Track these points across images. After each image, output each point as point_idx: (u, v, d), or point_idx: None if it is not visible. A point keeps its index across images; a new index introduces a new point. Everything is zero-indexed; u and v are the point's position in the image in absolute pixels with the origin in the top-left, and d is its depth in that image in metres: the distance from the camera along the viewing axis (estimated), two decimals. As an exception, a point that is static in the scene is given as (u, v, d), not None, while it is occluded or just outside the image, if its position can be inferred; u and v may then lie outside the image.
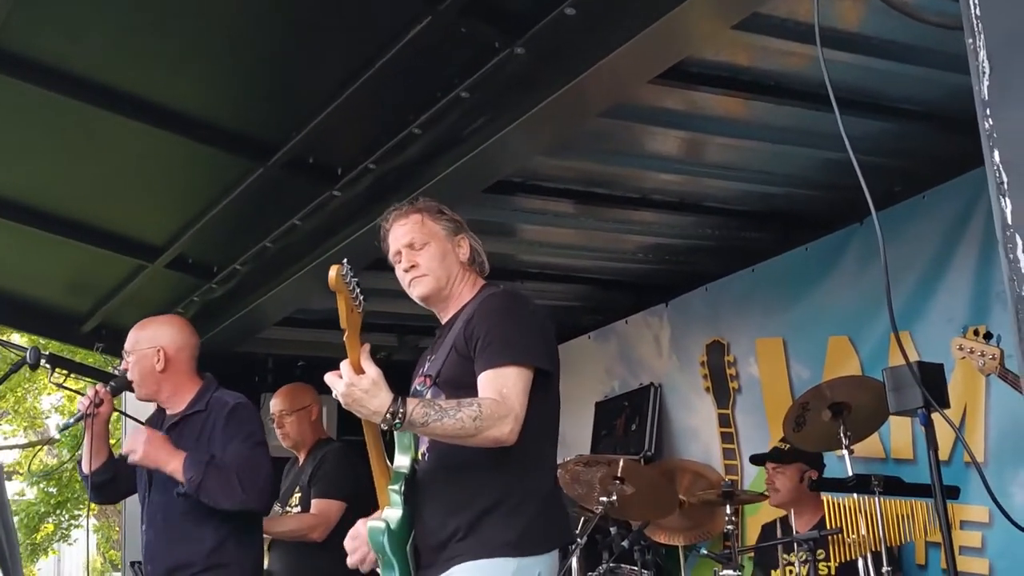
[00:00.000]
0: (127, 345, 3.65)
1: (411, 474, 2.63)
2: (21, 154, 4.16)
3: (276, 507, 4.65)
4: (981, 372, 3.68)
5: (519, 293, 2.86)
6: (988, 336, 3.67)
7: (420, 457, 2.64)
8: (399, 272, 2.79)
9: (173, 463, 3.34)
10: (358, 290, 2.43)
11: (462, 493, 2.57)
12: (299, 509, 4.55)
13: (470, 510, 2.54)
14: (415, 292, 2.77)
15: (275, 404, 4.73)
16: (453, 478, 2.58)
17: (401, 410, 2.37)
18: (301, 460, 4.71)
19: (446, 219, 2.81)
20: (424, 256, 2.74)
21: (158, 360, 3.55)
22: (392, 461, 2.67)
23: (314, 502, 4.48)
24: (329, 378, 2.42)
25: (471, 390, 2.52)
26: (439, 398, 2.55)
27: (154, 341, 3.58)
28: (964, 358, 3.75)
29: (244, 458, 3.38)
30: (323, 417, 4.86)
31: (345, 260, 2.41)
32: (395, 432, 2.57)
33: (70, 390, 5.80)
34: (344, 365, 2.39)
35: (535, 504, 2.58)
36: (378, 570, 2.67)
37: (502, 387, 2.48)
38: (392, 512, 2.60)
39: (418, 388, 2.73)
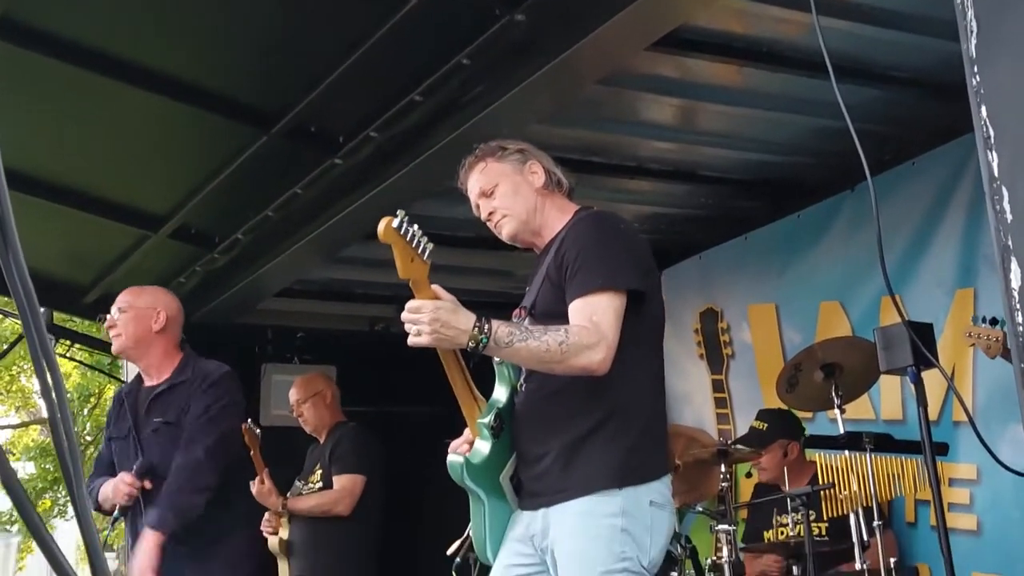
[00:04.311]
0: (120, 303, 3.64)
1: (508, 405, 2.58)
2: (23, 123, 4.13)
3: (297, 482, 4.87)
4: (988, 355, 3.74)
5: (609, 213, 2.74)
6: (995, 322, 3.72)
7: (519, 387, 2.58)
8: (488, 224, 2.75)
9: (155, 545, 3.30)
10: (424, 239, 2.34)
11: (559, 419, 2.50)
12: (320, 485, 4.76)
13: (567, 435, 2.47)
14: (503, 235, 2.72)
15: (291, 395, 5.02)
16: (550, 404, 2.51)
17: (487, 326, 2.32)
18: (322, 441, 4.94)
19: (509, 153, 2.74)
20: (497, 199, 2.69)
21: (156, 320, 3.61)
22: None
23: (336, 479, 4.69)
24: (407, 316, 2.33)
25: (567, 321, 2.43)
26: None
27: (154, 303, 3.66)
28: (973, 344, 3.81)
29: (188, 450, 3.41)
30: (337, 400, 5.02)
31: (400, 212, 2.31)
32: (495, 367, 2.57)
33: (76, 361, 5.85)
34: (416, 300, 2.34)
35: (635, 429, 2.49)
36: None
37: (592, 314, 2.40)
38: (480, 445, 2.52)
39: (514, 320, 2.62)
